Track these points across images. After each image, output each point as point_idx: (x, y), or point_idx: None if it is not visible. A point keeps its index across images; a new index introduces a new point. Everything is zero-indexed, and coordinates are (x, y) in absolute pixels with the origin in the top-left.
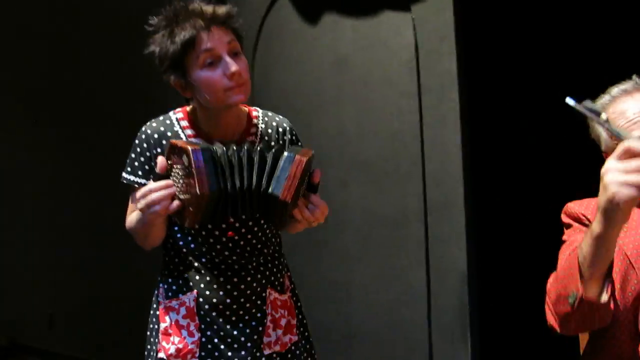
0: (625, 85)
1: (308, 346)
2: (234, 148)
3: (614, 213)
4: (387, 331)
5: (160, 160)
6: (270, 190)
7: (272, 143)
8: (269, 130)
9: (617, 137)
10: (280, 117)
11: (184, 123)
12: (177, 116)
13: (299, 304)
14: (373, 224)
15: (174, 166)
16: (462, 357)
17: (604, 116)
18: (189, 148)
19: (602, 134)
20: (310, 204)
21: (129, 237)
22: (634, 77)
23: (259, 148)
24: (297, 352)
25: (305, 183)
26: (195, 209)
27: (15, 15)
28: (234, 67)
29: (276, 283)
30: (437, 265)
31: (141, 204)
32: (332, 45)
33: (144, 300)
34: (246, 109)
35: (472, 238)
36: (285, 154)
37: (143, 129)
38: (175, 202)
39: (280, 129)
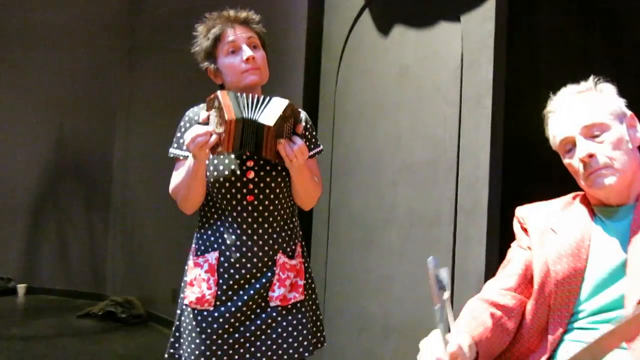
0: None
1: (314, 307)
2: (250, 95)
3: None
4: (420, 324)
5: (202, 114)
6: (262, 119)
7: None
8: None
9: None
10: (300, 110)
11: None
12: None
13: (309, 269)
14: (414, 223)
15: (211, 113)
16: None
17: (446, 295)
18: (218, 93)
19: None
20: (292, 142)
21: None
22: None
23: (262, 96)
24: (303, 309)
25: (290, 128)
26: (227, 135)
27: None
28: (249, 53)
29: (288, 249)
30: (461, 266)
31: (188, 141)
32: (396, 56)
33: None
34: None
35: (492, 242)
36: (275, 98)
37: (186, 112)
38: (214, 136)
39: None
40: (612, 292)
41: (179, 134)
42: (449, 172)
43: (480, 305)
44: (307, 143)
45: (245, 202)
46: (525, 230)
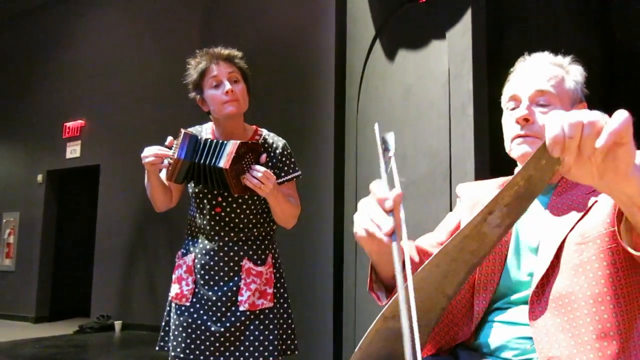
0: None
1: (285, 315)
2: (210, 140)
3: (360, 245)
4: None
5: (170, 138)
6: (217, 163)
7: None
8: (265, 145)
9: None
10: (280, 139)
11: (209, 131)
12: (208, 126)
13: (282, 279)
14: (419, 235)
15: (175, 143)
16: None
17: (390, 154)
18: (183, 131)
19: None
20: (255, 171)
21: None
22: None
23: (220, 141)
24: (271, 315)
25: (251, 161)
26: (172, 168)
27: None
28: (228, 87)
29: (255, 257)
30: None
31: (143, 153)
32: (400, 78)
33: None
34: (254, 127)
35: None
36: (230, 141)
37: (188, 129)
38: (165, 163)
39: (274, 145)
40: (526, 267)
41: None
42: (444, 183)
43: (421, 240)
44: (285, 168)
45: (213, 213)
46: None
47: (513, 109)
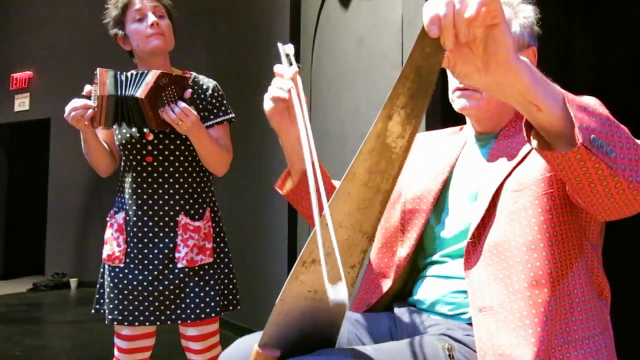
0: None
1: (226, 270)
2: (131, 73)
3: (271, 122)
4: None
5: (87, 86)
6: (135, 94)
7: (194, 96)
8: (195, 87)
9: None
10: (210, 80)
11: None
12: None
13: (222, 234)
14: None
15: (92, 87)
16: None
17: (294, 68)
18: (97, 70)
19: None
20: (175, 106)
21: None
22: None
23: (141, 72)
24: (211, 271)
25: (173, 95)
26: (100, 110)
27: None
28: (153, 19)
29: (191, 211)
30: None
31: (66, 113)
32: (354, 28)
33: None
34: (180, 71)
35: None
36: (151, 71)
37: None
38: (90, 111)
39: (204, 87)
40: (460, 222)
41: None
42: None
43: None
44: (215, 110)
45: (144, 163)
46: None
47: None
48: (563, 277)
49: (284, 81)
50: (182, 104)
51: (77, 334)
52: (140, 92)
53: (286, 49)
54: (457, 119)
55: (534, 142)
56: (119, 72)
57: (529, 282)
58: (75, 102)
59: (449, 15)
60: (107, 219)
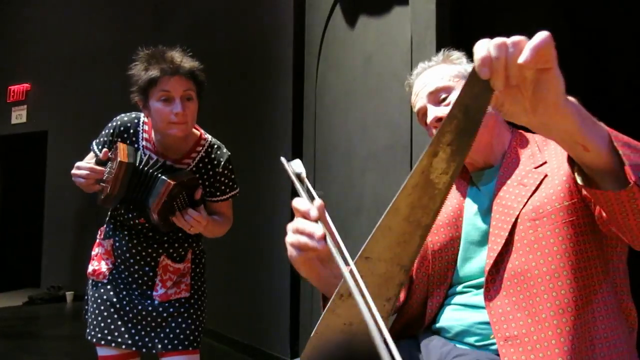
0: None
1: (198, 312)
2: (146, 168)
3: (300, 271)
4: None
5: (104, 151)
6: (146, 202)
7: (203, 171)
8: (206, 160)
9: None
10: (225, 151)
11: (146, 127)
12: (144, 119)
13: (200, 274)
14: (379, 208)
15: (111, 159)
16: None
17: (303, 175)
18: (119, 160)
19: None
20: (187, 215)
21: None
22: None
23: (155, 171)
24: (187, 304)
25: (184, 199)
26: (105, 198)
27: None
28: (179, 109)
29: (174, 254)
30: None
31: (74, 171)
32: (361, 46)
33: None
34: (198, 133)
35: None
36: (160, 177)
37: (117, 117)
38: (97, 186)
39: (215, 162)
40: (479, 260)
41: (103, 132)
42: (404, 155)
43: None
44: (223, 187)
45: (137, 221)
46: None
47: (427, 122)
48: (589, 303)
49: (311, 226)
50: (195, 213)
51: (75, 350)
52: (152, 205)
53: (294, 166)
54: None
55: (579, 179)
56: (136, 166)
57: (556, 310)
58: (89, 170)
59: (501, 58)
60: (97, 236)
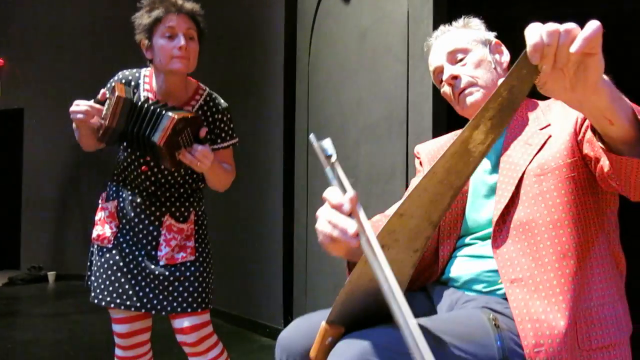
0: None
1: (204, 273)
2: (146, 105)
3: (331, 253)
4: None
5: (102, 92)
6: (151, 136)
7: (202, 117)
8: (205, 108)
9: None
10: (222, 101)
11: (147, 80)
12: (145, 72)
13: (203, 236)
14: (373, 179)
15: (108, 99)
16: None
17: (333, 158)
18: (117, 94)
19: None
20: (194, 150)
21: None
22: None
23: (158, 108)
24: (192, 267)
25: (189, 136)
26: (104, 131)
27: None
28: (183, 42)
29: (177, 213)
30: None
31: (73, 108)
32: (356, 21)
33: None
34: (195, 83)
35: None
36: (166, 113)
37: (119, 72)
38: (95, 120)
39: (214, 109)
40: (487, 212)
41: (104, 88)
42: (400, 127)
43: (380, 217)
44: (223, 134)
45: (139, 171)
46: (421, 163)
47: (442, 80)
48: (587, 250)
49: (345, 221)
50: (200, 147)
51: (65, 326)
52: (158, 138)
53: (325, 146)
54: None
55: (599, 144)
56: (134, 101)
57: (557, 255)
58: (87, 106)
59: (553, 45)
60: (100, 201)
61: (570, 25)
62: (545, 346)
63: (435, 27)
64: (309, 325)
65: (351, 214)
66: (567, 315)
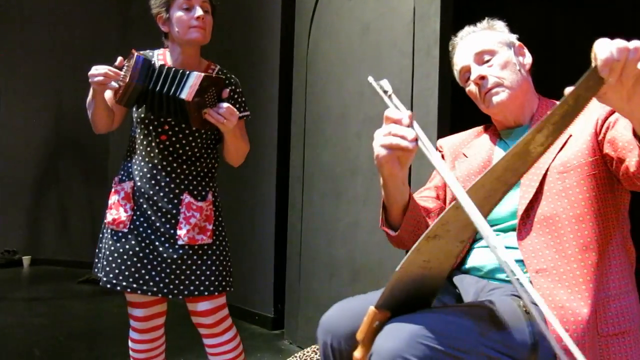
0: (460, 33)
1: (224, 253)
2: (166, 68)
3: (381, 169)
4: (383, 266)
5: (120, 59)
6: (178, 94)
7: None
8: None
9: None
10: (233, 77)
11: (161, 57)
12: (158, 52)
13: (220, 218)
14: (375, 171)
15: (126, 65)
16: None
17: (389, 92)
18: (135, 53)
19: None
20: (219, 108)
21: None
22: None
23: (180, 70)
24: (209, 251)
25: (213, 95)
26: (124, 90)
27: None
28: (200, 12)
29: (195, 192)
30: None
31: (92, 72)
32: (359, 14)
33: None
34: (207, 62)
35: None
36: (191, 72)
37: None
38: (114, 83)
39: (227, 82)
40: (509, 205)
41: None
42: None
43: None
44: (237, 106)
45: (158, 140)
46: (443, 157)
47: (468, 79)
48: (606, 243)
49: (405, 129)
50: (227, 104)
51: (49, 310)
52: (186, 95)
53: (383, 84)
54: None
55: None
56: (152, 62)
57: (580, 248)
58: (107, 69)
59: (622, 61)
60: (113, 185)
61: (638, 43)
62: (570, 332)
63: (442, 24)
64: (350, 309)
65: (409, 126)
66: (590, 304)
